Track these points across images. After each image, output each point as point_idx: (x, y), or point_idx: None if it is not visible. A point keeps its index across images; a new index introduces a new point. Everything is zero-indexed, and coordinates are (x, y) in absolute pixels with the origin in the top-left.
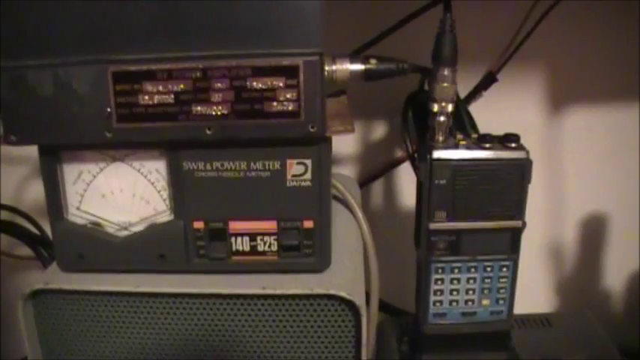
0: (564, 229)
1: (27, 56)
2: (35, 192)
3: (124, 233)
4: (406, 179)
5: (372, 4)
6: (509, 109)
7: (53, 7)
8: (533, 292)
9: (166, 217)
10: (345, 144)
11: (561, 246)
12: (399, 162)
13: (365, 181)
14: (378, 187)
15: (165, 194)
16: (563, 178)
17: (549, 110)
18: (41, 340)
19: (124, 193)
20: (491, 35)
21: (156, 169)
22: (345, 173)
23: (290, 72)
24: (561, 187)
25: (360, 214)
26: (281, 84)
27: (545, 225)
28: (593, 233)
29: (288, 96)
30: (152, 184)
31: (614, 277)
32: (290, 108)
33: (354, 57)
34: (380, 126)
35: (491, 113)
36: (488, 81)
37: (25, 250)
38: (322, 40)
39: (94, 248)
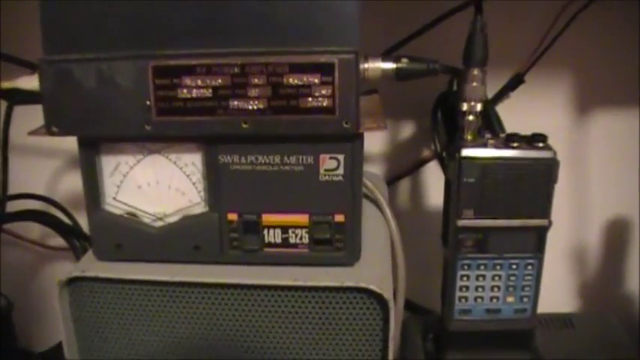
0: (588, 231)
1: (71, 51)
2: (68, 184)
3: (159, 224)
4: (432, 178)
5: (402, 4)
6: (536, 110)
7: (98, 4)
8: (556, 293)
9: (201, 208)
10: (373, 142)
11: (585, 248)
12: (425, 161)
13: (392, 180)
14: (404, 185)
15: (200, 186)
16: (588, 180)
17: (576, 113)
18: (76, 326)
19: (159, 185)
20: (520, 37)
21: (192, 162)
22: (373, 171)
23: (326, 69)
24: (586, 190)
25: (388, 212)
26: (317, 80)
27: (570, 226)
28: (617, 236)
29: (324, 92)
30: (188, 176)
31: (636, 281)
32: (325, 104)
33: (386, 56)
34: (408, 125)
35: (517, 114)
36: (515, 82)
37: (58, 241)
38: (358, 40)
39: (131, 238)
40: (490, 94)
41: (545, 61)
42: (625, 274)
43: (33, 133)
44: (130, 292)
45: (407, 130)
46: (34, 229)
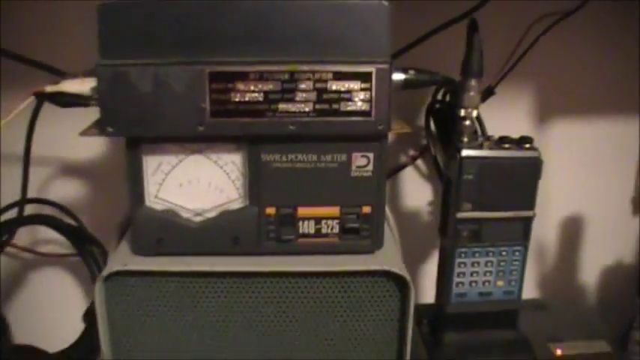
0: (547, 227)
1: (127, 56)
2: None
3: (199, 219)
4: (409, 184)
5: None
6: (504, 118)
7: (157, 12)
8: None
9: (239, 203)
10: None
11: (544, 243)
12: (402, 167)
13: None
14: None
15: (238, 183)
16: (547, 181)
17: (538, 121)
18: (112, 322)
19: (200, 183)
20: (491, 54)
21: (232, 160)
22: None
23: (364, 77)
24: (545, 190)
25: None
26: (356, 87)
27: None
28: (572, 232)
29: (362, 97)
30: (227, 174)
31: (588, 272)
32: (363, 108)
33: (396, 68)
34: None
35: (488, 122)
36: (487, 94)
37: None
38: (390, 52)
39: (171, 232)
40: None
41: (512, 76)
42: (578, 267)
43: (84, 133)
44: (169, 284)
45: None
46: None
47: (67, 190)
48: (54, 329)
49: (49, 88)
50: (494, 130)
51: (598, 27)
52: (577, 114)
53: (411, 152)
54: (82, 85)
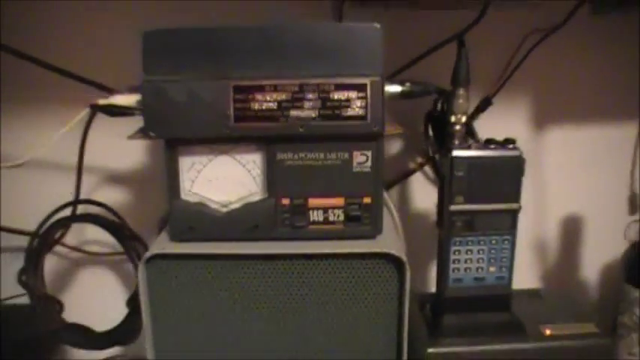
0: (547, 226)
1: (167, 73)
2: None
3: (225, 209)
4: (417, 187)
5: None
6: (502, 125)
7: (191, 38)
8: (523, 275)
9: (258, 196)
10: None
11: (545, 240)
12: (411, 172)
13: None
14: (393, 192)
15: (258, 179)
16: (546, 183)
17: (534, 127)
18: (152, 297)
19: (226, 179)
20: (488, 67)
21: (253, 160)
22: None
23: (361, 88)
24: (545, 191)
25: (391, 205)
26: (354, 96)
27: (533, 223)
28: (572, 230)
29: (359, 104)
30: (249, 171)
31: (587, 268)
32: (360, 113)
33: (394, 80)
34: (396, 144)
35: (487, 129)
36: (485, 104)
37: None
38: (382, 68)
39: (202, 221)
40: None
41: (509, 86)
42: (578, 263)
43: (132, 137)
44: (200, 265)
45: (396, 147)
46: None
47: (112, 192)
48: (101, 314)
49: (102, 101)
50: (495, 137)
51: (585, 39)
52: (571, 120)
53: (419, 159)
54: (129, 99)
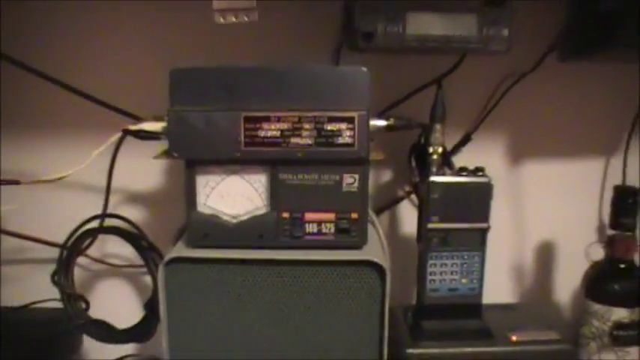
0: (524, 250)
1: (189, 104)
2: (138, 209)
3: (235, 221)
4: (405, 213)
5: (385, 84)
6: (482, 160)
7: (209, 77)
8: (500, 295)
9: (263, 210)
10: None
11: (522, 262)
12: (400, 199)
13: (375, 213)
14: (383, 218)
15: (263, 195)
16: (523, 211)
17: (511, 161)
18: (170, 297)
19: (236, 195)
20: (469, 106)
21: (259, 179)
22: None
23: (350, 120)
24: (522, 219)
25: (378, 225)
26: (344, 127)
27: (511, 246)
28: (546, 254)
29: (348, 134)
30: (255, 189)
31: (560, 288)
32: (349, 141)
33: (380, 115)
34: (387, 173)
35: (468, 163)
36: (465, 140)
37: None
38: (369, 104)
39: (215, 230)
40: (448, 147)
41: (487, 124)
42: (551, 286)
43: (157, 157)
44: (213, 269)
45: (386, 176)
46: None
47: (134, 209)
48: (120, 318)
49: (133, 127)
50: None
51: (555, 82)
52: (545, 154)
53: (407, 188)
54: (156, 125)
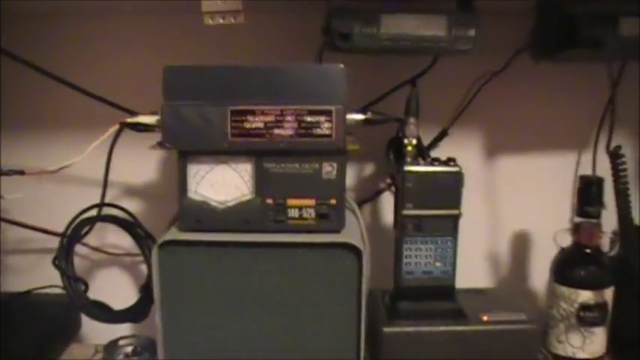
0: (500, 240)
1: (181, 99)
2: (134, 198)
3: (223, 207)
4: (387, 203)
5: (360, 83)
6: (458, 155)
7: (200, 74)
8: (477, 283)
9: (248, 196)
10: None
11: (498, 252)
12: (382, 191)
13: (358, 204)
14: (367, 208)
15: (249, 183)
16: (498, 204)
17: (486, 156)
18: (163, 278)
19: (224, 183)
20: (446, 104)
21: (245, 168)
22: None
23: (328, 113)
24: (497, 211)
25: (357, 211)
26: (323, 119)
27: (487, 239)
28: (520, 244)
29: (327, 126)
30: (242, 177)
31: (533, 275)
32: (327, 133)
33: (358, 110)
34: (369, 167)
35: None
36: (442, 135)
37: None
38: (345, 99)
39: (205, 215)
40: (426, 143)
41: (462, 120)
42: (526, 275)
43: (152, 148)
44: (203, 251)
45: (369, 170)
46: None
47: (130, 199)
48: (117, 302)
49: (130, 120)
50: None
51: (528, 81)
52: (519, 149)
53: (388, 181)
54: (151, 119)
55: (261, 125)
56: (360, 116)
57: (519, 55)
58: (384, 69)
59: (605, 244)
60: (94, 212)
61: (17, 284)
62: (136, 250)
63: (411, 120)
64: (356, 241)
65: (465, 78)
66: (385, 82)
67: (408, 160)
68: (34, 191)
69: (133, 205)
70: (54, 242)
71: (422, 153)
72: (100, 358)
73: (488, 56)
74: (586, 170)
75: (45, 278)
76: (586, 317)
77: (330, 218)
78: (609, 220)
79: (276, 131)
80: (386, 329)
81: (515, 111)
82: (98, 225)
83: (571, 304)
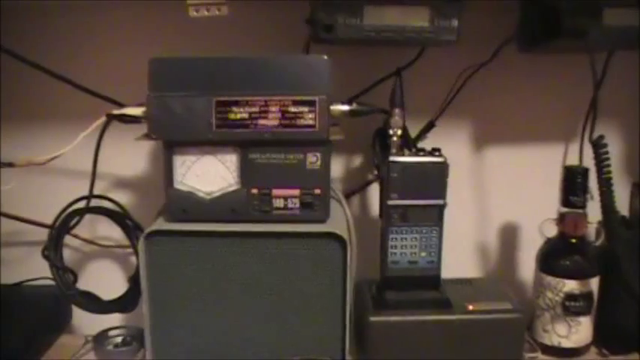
0: (489, 231)
1: (166, 90)
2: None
3: (209, 197)
4: (374, 195)
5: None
6: (446, 146)
7: (185, 66)
8: (465, 273)
9: (234, 187)
10: (334, 170)
11: (487, 242)
12: (369, 183)
13: (346, 195)
14: (355, 200)
15: (235, 174)
16: (486, 195)
17: (474, 147)
18: (150, 268)
19: (210, 173)
20: (433, 96)
21: (230, 159)
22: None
23: (311, 104)
24: (485, 202)
25: (344, 202)
26: (306, 110)
27: (475, 230)
28: (509, 234)
29: (310, 117)
30: (227, 168)
31: (521, 265)
32: (311, 123)
33: (344, 101)
34: (357, 159)
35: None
36: (429, 126)
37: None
38: (329, 89)
39: (192, 205)
40: (413, 134)
41: (449, 111)
42: (513, 265)
43: (138, 139)
44: (189, 240)
45: (356, 162)
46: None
47: (119, 190)
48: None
49: (116, 111)
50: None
51: (514, 72)
52: (507, 141)
53: (375, 172)
54: (137, 110)
55: (245, 116)
56: (345, 107)
57: (506, 46)
58: (371, 60)
59: (590, 234)
60: (83, 204)
61: (8, 276)
62: (126, 241)
63: (396, 111)
64: (341, 231)
65: (452, 69)
66: (372, 74)
67: (393, 150)
68: (23, 183)
69: (123, 197)
70: (45, 234)
71: (407, 143)
72: (90, 349)
73: (474, 47)
74: (573, 161)
75: (36, 270)
76: (571, 307)
77: (314, 208)
78: (595, 210)
79: (261, 122)
80: (372, 318)
81: (503, 102)
82: (88, 216)
83: (557, 294)
